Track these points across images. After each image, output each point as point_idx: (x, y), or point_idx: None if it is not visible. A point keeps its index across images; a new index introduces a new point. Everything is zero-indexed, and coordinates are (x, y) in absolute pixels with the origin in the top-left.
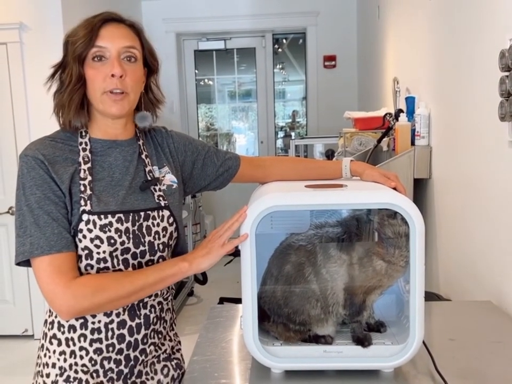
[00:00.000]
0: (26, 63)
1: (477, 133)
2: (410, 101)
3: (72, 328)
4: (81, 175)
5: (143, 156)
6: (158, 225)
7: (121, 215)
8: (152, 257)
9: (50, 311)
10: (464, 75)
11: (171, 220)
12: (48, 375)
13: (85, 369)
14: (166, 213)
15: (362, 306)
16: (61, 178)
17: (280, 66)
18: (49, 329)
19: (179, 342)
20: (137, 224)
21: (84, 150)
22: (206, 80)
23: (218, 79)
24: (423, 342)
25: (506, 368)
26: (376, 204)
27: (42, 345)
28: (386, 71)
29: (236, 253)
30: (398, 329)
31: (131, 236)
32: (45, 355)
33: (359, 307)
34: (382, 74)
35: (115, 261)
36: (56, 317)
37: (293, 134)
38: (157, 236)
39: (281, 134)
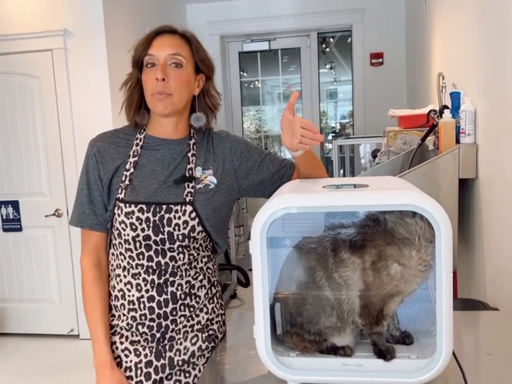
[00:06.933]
0: (70, 68)
1: None
2: (455, 97)
3: (116, 298)
4: (127, 166)
5: (189, 154)
6: (180, 218)
7: (143, 205)
8: (172, 246)
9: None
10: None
11: (193, 214)
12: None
13: (126, 328)
14: (189, 208)
15: (381, 316)
16: (106, 169)
17: (329, 66)
18: (109, 298)
19: (220, 314)
20: (158, 215)
21: (137, 145)
22: (256, 83)
23: (263, 80)
24: (454, 356)
25: None
26: (397, 205)
27: None
28: (432, 66)
29: None
30: (429, 342)
31: (151, 224)
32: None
33: (377, 317)
34: (429, 70)
35: (137, 244)
36: (112, 290)
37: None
38: (176, 227)
39: (331, 136)
